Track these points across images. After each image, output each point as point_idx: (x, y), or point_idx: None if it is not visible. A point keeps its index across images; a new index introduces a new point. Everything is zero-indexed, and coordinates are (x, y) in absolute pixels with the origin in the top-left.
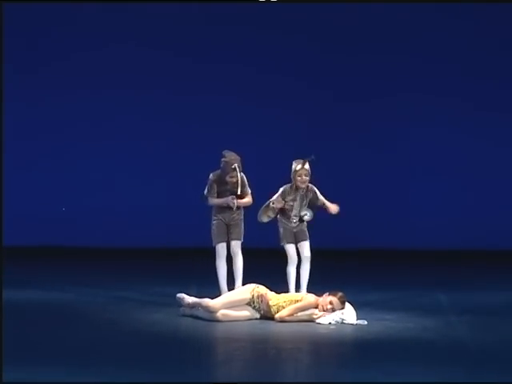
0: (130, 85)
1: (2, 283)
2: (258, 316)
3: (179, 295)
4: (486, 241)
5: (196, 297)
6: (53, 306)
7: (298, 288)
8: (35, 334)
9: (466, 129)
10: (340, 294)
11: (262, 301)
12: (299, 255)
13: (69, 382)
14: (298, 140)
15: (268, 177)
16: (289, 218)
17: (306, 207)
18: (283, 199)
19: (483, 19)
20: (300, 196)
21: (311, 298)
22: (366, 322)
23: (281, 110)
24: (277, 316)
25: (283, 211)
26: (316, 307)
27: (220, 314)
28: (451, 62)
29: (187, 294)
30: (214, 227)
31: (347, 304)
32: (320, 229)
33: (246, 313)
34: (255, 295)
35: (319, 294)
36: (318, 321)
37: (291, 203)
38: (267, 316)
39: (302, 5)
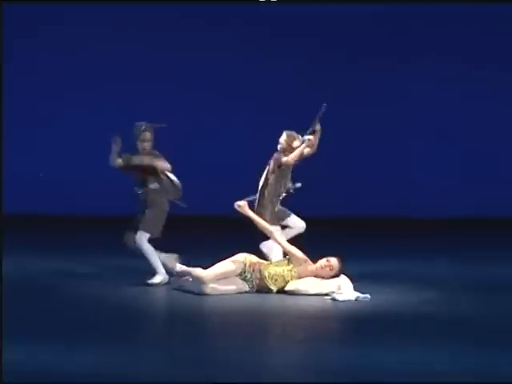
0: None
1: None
2: (246, 289)
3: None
4: (489, 208)
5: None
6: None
7: None
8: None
9: (468, 89)
10: (336, 257)
11: (253, 270)
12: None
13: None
14: (295, 102)
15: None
16: (279, 195)
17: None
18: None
19: None
20: (290, 170)
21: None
22: (368, 297)
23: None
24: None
25: (274, 191)
26: (305, 264)
27: (209, 287)
28: (452, 18)
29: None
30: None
31: (343, 276)
32: (315, 196)
33: (233, 286)
34: (247, 264)
35: (313, 261)
36: (335, 297)
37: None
38: (259, 286)
39: (302, 5)
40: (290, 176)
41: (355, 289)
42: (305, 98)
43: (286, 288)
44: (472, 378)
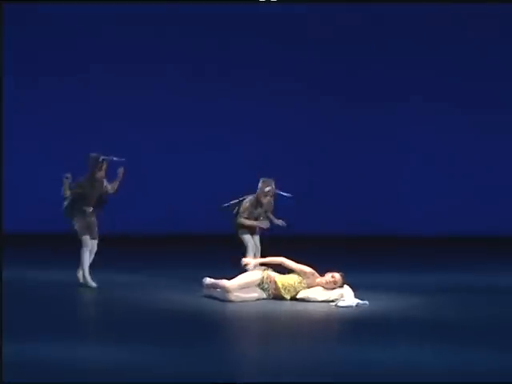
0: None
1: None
2: (265, 296)
3: (204, 279)
4: (472, 227)
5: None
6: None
7: None
8: (72, 312)
9: (459, 124)
10: (340, 272)
11: (270, 281)
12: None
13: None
14: (297, 135)
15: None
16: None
17: None
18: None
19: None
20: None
21: (310, 270)
22: (367, 303)
23: (279, 108)
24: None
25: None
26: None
27: (233, 295)
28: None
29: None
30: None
31: (346, 286)
32: (317, 216)
33: (255, 294)
34: (265, 277)
35: (321, 274)
36: (338, 304)
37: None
38: (275, 295)
39: (302, 5)
40: (261, 210)
41: (356, 296)
42: (303, 97)
43: (298, 296)
44: (454, 375)
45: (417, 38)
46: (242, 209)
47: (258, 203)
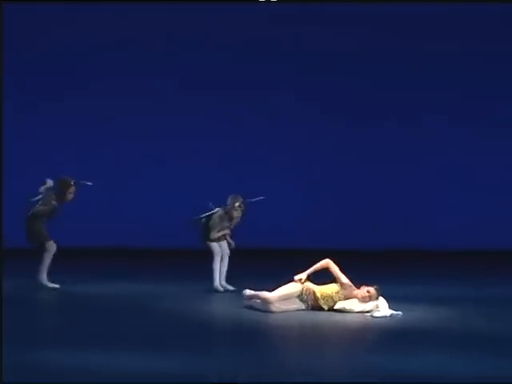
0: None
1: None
2: (303, 307)
3: (245, 291)
4: (497, 242)
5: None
6: (124, 299)
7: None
8: (113, 322)
9: (481, 140)
10: (375, 286)
11: (309, 293)
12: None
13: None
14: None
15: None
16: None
17: None
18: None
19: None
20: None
21: (349, 282)
22: (400, 313)
23: (291, 126)
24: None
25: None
26: (352, 291)
27: (274, 306)
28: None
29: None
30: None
31: (381, 297)
32: (353, 233)
33: (294, 305)
34: (304, 289)
35: (356, 286)
36: (373, 314)
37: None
38: (313, 306)
39: (302, 5)
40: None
41: (390, 307)
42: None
43: (335, 307)
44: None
45: (440, 53)
46: (213, 224)
47: (228, 217)
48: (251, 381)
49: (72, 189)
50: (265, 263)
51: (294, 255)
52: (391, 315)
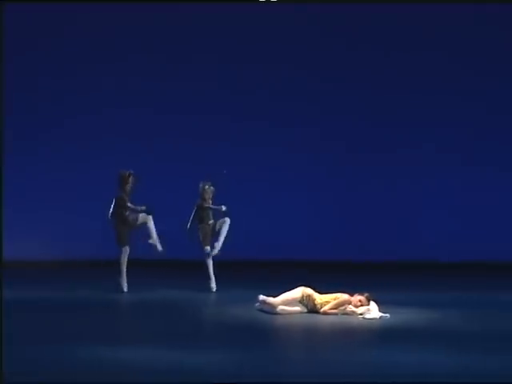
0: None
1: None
2: (306, 310)
3: (259, 296)
4: (479, 254)
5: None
6: (163, 303)
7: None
8: (155, 323)
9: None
10: (366, 294)
11: (309, 299)
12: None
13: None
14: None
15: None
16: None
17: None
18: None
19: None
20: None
21: (345, 296)
22: (388, 316)
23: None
24: (321, 310)
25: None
26: (350, 303)
27: (279, 309)
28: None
29: (263, 295)
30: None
31: (372, 302)
32: (347, 245)
33: (297, 308)
34: (304, 295)
35: (351, 293)
36: (364, 316)
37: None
38: (313, 310)
39: (302, 5)
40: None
41: (379, 310)
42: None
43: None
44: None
45: (437, 87)
46: (203, 237)
47: (201, 200)
48: (253, 376)
49: (133, 180)
50: (276, 273)
51: (297, 266)
52: (380, 317)
